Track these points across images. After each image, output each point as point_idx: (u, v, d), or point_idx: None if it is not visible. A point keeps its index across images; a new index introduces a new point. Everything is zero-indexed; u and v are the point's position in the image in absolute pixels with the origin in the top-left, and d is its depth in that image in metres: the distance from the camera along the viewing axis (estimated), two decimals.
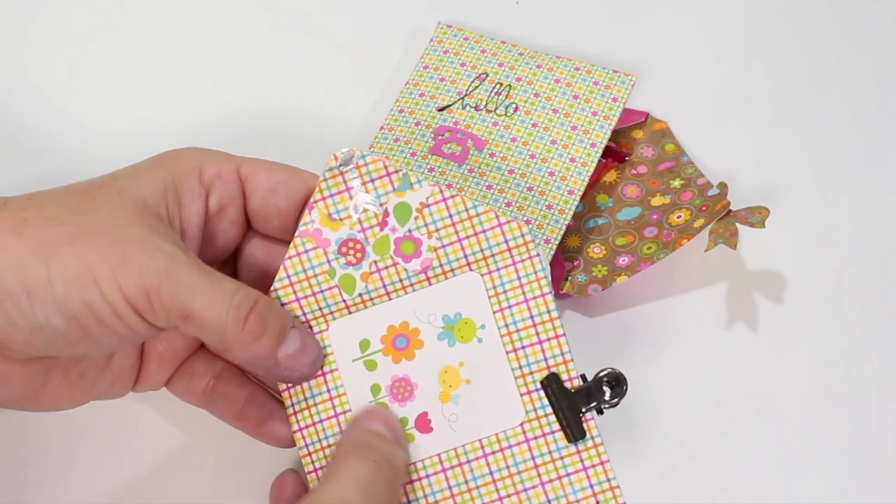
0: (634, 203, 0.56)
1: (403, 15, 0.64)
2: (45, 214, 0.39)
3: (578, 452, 0.44)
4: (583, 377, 0.44)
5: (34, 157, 0.58)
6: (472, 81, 0.58)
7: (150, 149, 0.46)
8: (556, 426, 0.44)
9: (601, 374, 0.44)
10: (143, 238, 0.39)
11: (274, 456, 0.48)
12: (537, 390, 0.44)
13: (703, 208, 0.53)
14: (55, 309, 0.38)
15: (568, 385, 0.44)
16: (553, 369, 0.44)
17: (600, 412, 0.44)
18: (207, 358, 0.47)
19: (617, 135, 0.58)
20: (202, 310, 0.39)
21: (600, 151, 0.55)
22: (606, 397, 0.44)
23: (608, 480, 0.44)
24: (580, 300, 0.54)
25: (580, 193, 0.54)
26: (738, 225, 0.51)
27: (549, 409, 0.44)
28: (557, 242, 0.52)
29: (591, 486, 0.44)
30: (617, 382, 0.44)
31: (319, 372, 0.44)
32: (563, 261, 0.54)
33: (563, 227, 0.53)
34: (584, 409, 0.44)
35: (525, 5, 0.65)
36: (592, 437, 0.44)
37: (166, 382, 0.47)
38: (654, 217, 0.55)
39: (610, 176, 0.58)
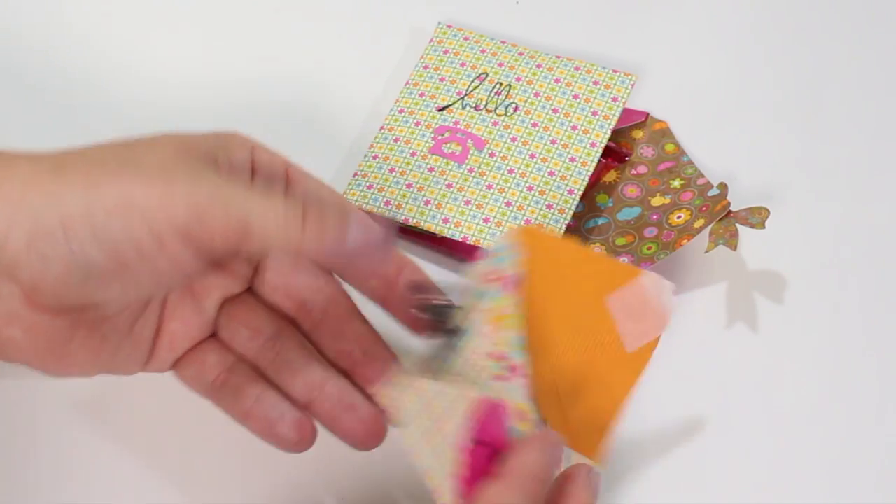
0: (634, 203, 0.56)
1: (403, 15, 0.64)
2: (86, 158, 0.39)
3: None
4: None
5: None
6: (472, 81, 0.58)
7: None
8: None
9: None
10: (188, 169, 0.38)
11: (273, 457, 0.48)
12: None
13: (704, 209, 0.53)
14: (93, 239, 0.37)
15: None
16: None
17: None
18: (221, 349, 0.45)
19: (617, 135, 0.58)
20: (260, 219, 0.38)
21: (600, 151, 0.55)
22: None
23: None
24: None
25: (580, 193, 0.54)
26: (738, 226, 0.51)
27: None
28: None
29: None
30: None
31: None
32: None
33: (563, 227, 0.53)
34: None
35: (525, 5, 0.65)
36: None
37: (175, 365, 0.45)
38: (654, 217, 0.55)
39: (610, 176, 0.58)
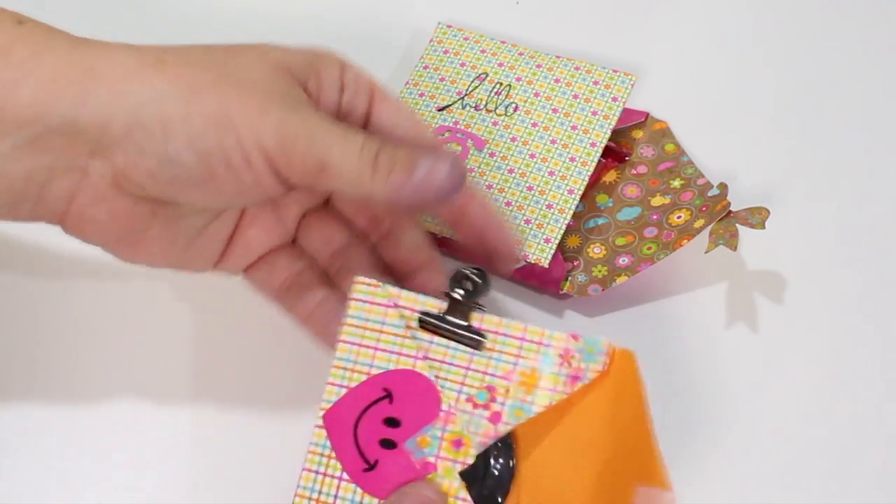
0: (634, 203, 0.56)
1: (403, 15, 0.64)
2: (186, 59, 0.40)
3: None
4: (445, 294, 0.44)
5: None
6: (472, 81, 0.58)
7: None
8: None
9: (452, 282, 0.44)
10: (284, 92, 0.40)
11: (268, 459, 0.48)
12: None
13: (704, 209, 0.53)
14: (188, 144, 0.39)
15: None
16: None
17: (480, 307, 0.44)
18: (291, 255, 0.48)
19: (617, 135, 0.58)
20: (338, 161, 0.40)
21: (600, 151, 0.55)
22: (471, 289, 0.44)
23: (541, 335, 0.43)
24: (580, 300, 0.54)
25: (580, 193, 0.54)
26: (738, 226, 0.51)
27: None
28: (557, 242, 0.52)
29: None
30: (469, 277, 0.44)
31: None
32: (563, 261, 0.54)
33: (563, 227, 0.53)
34: (468, 317, 0.43)
35: (525, 5, 0.65)
36: (488, 333, 0.43)
37: (246, 269, 0.47)
38: (654, 217, 0.55)
39: (610, 176, 0.58)
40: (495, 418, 0.42)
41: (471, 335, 0.43)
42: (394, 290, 0.44)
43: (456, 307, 0.44)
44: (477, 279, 0.44)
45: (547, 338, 0.43)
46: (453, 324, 0.43)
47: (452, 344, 0.44)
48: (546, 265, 0.52)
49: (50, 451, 0.50)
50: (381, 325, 0.44)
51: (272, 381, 0.52)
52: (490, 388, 0.43)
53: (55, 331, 0.53)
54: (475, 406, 0.43)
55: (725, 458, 0.50)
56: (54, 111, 0.39)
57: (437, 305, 0.44)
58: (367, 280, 0.44)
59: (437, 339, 0.44)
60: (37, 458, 0.49)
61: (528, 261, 0.52)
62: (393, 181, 0.41)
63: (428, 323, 0.44)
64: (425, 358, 0.43)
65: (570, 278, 0.53)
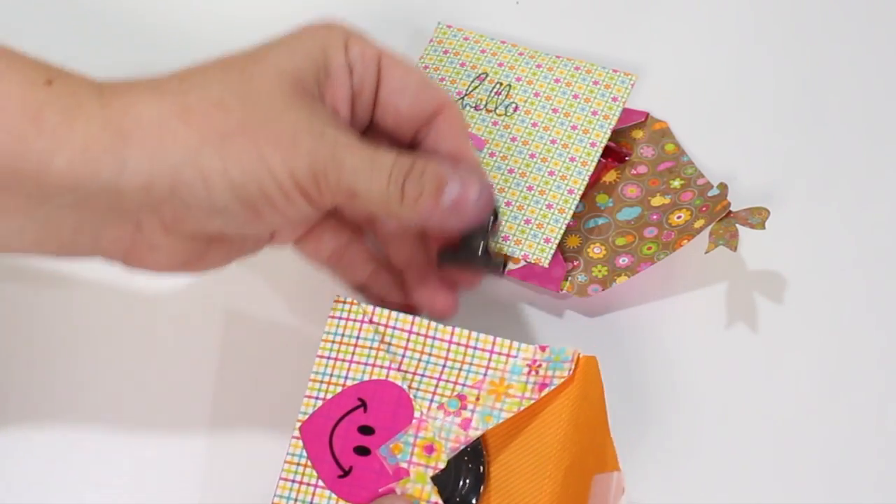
0: (634, 203, 0.56)
1: (403, 15, 0.64)
2: (209, 99, 0.41)
3: None
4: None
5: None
6: (472, 81, 0.58)
7: None
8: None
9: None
10: (309, 122, 0.41)
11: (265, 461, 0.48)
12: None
13: (704, 209, 0.53)
14: (232, 194, 0.40)
15: None
16: None
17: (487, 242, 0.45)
18: (336, 228, 0.48)
19: (617, 135, 0.58)
20: (366, 191, 0.42)
21: (600, 151, 0.55)
22: (488, 227, 0.45)
23: None
24: (580, 300, 0.54)
25: (580, 193, 0.54)
26: (738, 226, 0.51)
27: None
28: (557, 242, 0.52)
29: None
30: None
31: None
32: (563, 261, 0.54)
33: (563, 227, 0.53)
34: (479, 249, 0.45)
35: (525, 5, 0.65)
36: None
37: (296, 242, 0.48)
38: (654, 217, 0.55)
39: (610, 176, 0.58)
40: (465, 424, 0.44)
41: (492, 262, 0.45)
42: (368, 307, 0.46)
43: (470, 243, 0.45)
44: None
45: (515, 349, 0.45)
46: (472, 252, 0.45)
47: (424, 356, 0.45)
48: (546, 265, 0.52)
49: (50, 455, 0.50)
50: (356, 339, 0.46)
51: (267, 390, 0.52)
52: (461, 397, 0.45)
53: (55, 335, 0.53)
54: (446, 413, 0.44)
55: (725, 457, 0.50)
56: (93, 179, 0.39)
57: (407, 320, 0.46)
58: (344, 298, 0.47)
59: (409, 351, 0.46)
60: (37, 465, 0.49)
61: (528, 261, 0.52)
62: (420, 208, 0.42)
63: (447, 257, 0.46)
64: (398, 369, 0.45)
65: (570, 278, 0.53)
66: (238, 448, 0.50)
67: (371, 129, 0.47)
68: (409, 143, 0.47)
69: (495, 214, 0.46)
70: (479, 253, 0.45)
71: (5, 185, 0.38)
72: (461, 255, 0.46)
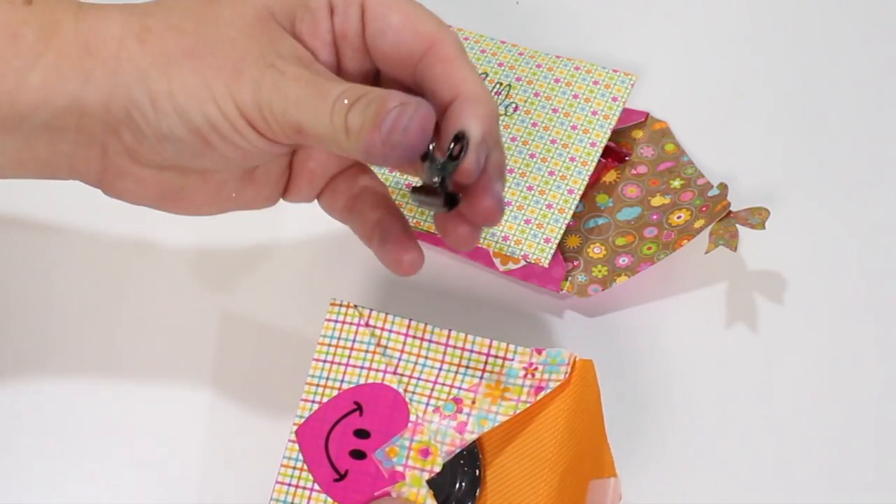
0: (634, 203, 0.56)
1: None
2: (167, 21, 0.40)
3: None
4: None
5: None
6: None
7: None
8: None
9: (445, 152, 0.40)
10: (260, 52, 0.40)
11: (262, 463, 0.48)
12: None
13: (704, 209, 0.53)
14: (178, 120, 0.40)
15: None
16: None
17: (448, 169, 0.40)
18: (349, 178, 0.47)
19: (617, 135, 0.58)
20: (311, 124, 0.39)
21: (600, 151, 0.55)
22: (452, 155, 0.39)
23: None
24: (580, 300, 0.54)
25: (580, 193, 0.54)
26: (738, 226, 0.51)
27: None
28: (557, 242, 0.52)
29: None
30: (455, 140, 0.39)
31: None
32: (563, 261, 0.54)
33: (563, 227, 0.53)
34: (438, 181, 0.39)
35: (525, 5, 0.65)
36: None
37: (318, 196, 0.47)
38: (654, 217, 0.55)
39: (610, 176, 0.58)
40: (461, 428, 0.44)
41: (446, 194, 0.40)
42: (364, 310, 0.46)
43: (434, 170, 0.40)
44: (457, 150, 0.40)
45: (511, 352, 0.45)
46: (430, 186, 0.40)
47: (421, 359, 0.45)
48: (546, 265, 0.52)
49: (49, 456, 0.50)
50: (352, 342, 0.46)
51: (265, 392, 0.52)
52: (457, 400, 0.44)
53: (52, 336, 0.53)
54: (442, 417, 0.44)
55: (725, 457, 0.50)
56: (61, 93, 0.39)
57: (403, 323, 0.46)
58: (340, 302, 0.46)
59: (405, 354, 0.45)
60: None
61: (528, 261, 0.52)
62: (364, 141, 0.38)
63: (413, 190, 0.41)
64: (395, 372, 0.45)
65: (570, 278, 0.53)
66: (235, 449, 0.50)
67: (380, 79, 0.45)
68: (419, 90, 0.43)
69: (459, 141, 0.39)
70: (436, 186, 0.40)
71: None
72: (422, 190, 0.41)
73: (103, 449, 0.50)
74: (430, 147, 0.39)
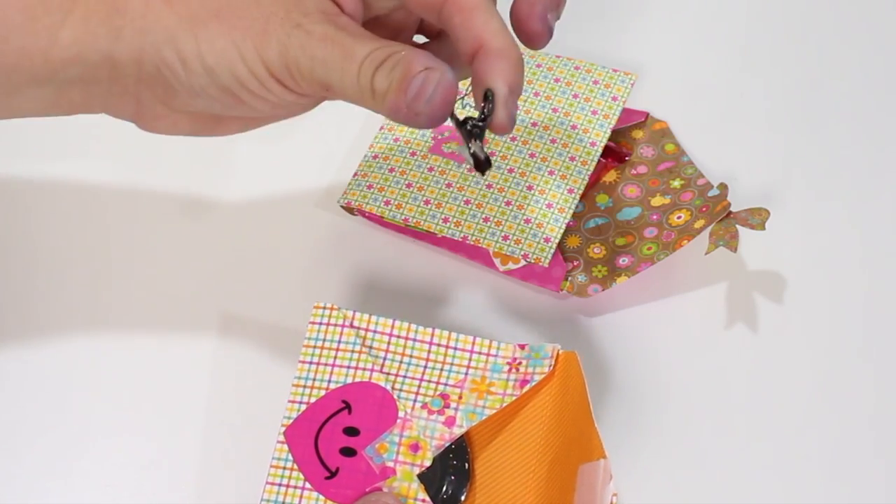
0: (634, 203, 0.56)
1: None
2: None
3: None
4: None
5: None
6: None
7: None
8: None
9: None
10: (286, 11, 0.40)
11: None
12: None
13: (704, 209, 0.53)
14: (208, 80, 0.41)
15: None
16: None
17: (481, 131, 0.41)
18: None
19: (617, 135, 0.58)
20: (339, 85, 0.40)
21: (600, 150, 0.55)
22: (483, 114, 0.41)
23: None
24: (580, 300, 0.54)
25: (580, 192, 0.54)
26: (738, 227, 0.51)
27: None
28: (557, 242, 0.52)
29: None
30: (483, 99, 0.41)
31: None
32: (563, 261, 0.54)
33: (563, 227, 0.53)
34: (470, 146, 0.41)
35: None
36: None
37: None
38: (654, 217, 0.54)
39: (610, 176, 0.57)
40: (450, 422, 0.45)
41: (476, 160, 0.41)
42: (348, 312, 0.47)
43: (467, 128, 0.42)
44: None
45: (495, 348, 0.46)
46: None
47: (406, 358, 0.46)
48: (546, 265, 0.52)
49: (48, 455, 0.50)
50: (337, 343, 0.46)
51: (263, 392, 0.52)
52: (444, 396, 0.45)
53: (49, 338, 0.53)
54: (430, 412, 0.45)
55: (725, 457, 0.50)
56: (92, 49, 0.40)
57: (387, 324, 0.47)
58: (324, 305, 0.47)
59: (390, 353, 0.46)
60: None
61: (528, 260, 0.52)
62: (389, 104, 0.40)
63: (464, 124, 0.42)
64: (381, 371, 0.46)
65: (570, 278, 0.53)
66: (234, 450, 0.50)
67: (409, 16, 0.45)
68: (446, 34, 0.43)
69: (487, 101, 0.41)
70: (469, 150, 0.42)
71: (15, 63, 0.40)
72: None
73: (101, 449, 0.50)
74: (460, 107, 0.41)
